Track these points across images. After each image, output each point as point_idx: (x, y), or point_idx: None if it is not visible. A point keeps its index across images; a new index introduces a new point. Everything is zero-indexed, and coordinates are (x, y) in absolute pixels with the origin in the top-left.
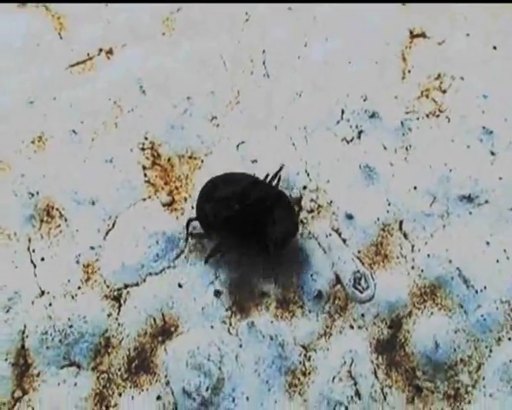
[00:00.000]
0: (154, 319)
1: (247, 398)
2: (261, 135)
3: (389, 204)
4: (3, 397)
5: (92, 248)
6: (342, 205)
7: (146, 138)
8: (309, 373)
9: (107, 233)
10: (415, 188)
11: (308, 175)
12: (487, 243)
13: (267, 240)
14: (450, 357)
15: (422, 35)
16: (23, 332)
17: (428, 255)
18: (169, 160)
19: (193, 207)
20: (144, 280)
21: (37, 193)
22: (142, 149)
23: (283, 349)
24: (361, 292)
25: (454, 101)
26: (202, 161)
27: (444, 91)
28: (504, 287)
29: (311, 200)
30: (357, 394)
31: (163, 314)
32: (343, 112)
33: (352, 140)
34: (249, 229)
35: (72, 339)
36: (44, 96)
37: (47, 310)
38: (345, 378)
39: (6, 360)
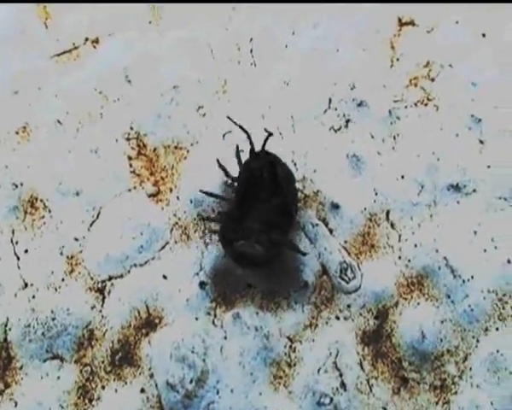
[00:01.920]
0: (139, 311)
1: (232, 390)
2: (248, 124)
3: (376, 194)
4: None
5: (76, 239)
6: (329, 195)
7: (131, 128)
8: (294, 365)
9: (91, 224)
10: (402, 177)
11: (295, 165)
12: (475, 233)
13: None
14: (436, 348)
15: (411, 23)
16: (5, 325)
17: (415, 245)
18: (154, 150)
19: (178, 198)
20: (129, 272)
21: (21, 184)
22: (128, 140)
23: (268, 341)
24: (347, 283)
25: (443, 89)
26: (188, 151)
27: (432, 79)
28: (492, 277)
29: (298, 189)
30: (343, 385)
31: (147, 306)
32: (330, 101)
33: (339, 129)
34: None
35: (55, 332)
36: (29, 86)
37: (30, 302)
38: (330, 370)
39: None
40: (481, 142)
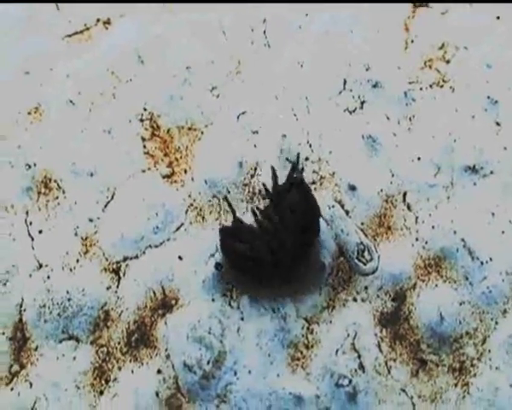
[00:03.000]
0: (154, 292)
1: (249, 371)
2: (262, 105)
3: (392, 175)
4: (0, 372)
5: (91, 220)
6: (345, 176)
7: (145, 109)
8: (312, 346)
9: (105, 205)
10: (418, 159)
11: (310, 146)
12: (492, 214)
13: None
14: (455, 330)
15: (425, 5)
16: (20, 305)
17: (433, 227)
18: (168, 131)
19: (193, 179)
20: (144, 253)
21: (35, 164)
22: (141, 121)
23: (285, 322)
24: (364, 264)
25: (458, 71)
26: (202, 133)
27: (447, 61)
28: (510, 258)
29: (314, 171)
30: (361, 367)
31: (163, 287)
32: (345, 82)
33: (354, 110)
34: None
35: (70, 312)
36: (41, 67)
37: (45, 283)
38: (348, 351)
39: (3, 333)
40: (498, 124)
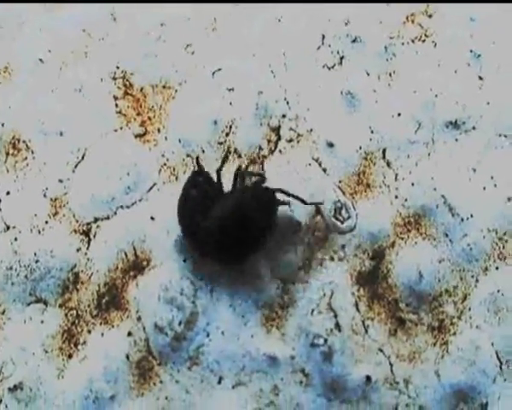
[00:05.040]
0: (126, 254)
1: (223, 332)
2: (238, 62)
3: (372, 132)
4: None
5: (60, 181)
6: (323, 133)
7: (117, 67)
8: (287, 307)
9: (75, 166)
10: (399, 115)
11: (287, 103)
12: (474, 171)
13: None
14: (434, 288)
15: None
16: None
17: (412, 184)
18: (141, 89)
19: (166, 138)
20: (115, 213)
21: (2, 125)
22: (114, 79)
23: (260, 282)
24: (342, 222)
25: (440, 25)
26: (176, 91)
27: (430, 16)
28: (491, 215)
29: (291, 128)
30: (338, 326)
31: (134, 248)
32: (324, 37)
33: (333, 66)
34: None
35: (38, 274)
36: (10, 25)
37: (12, 245)
38: (324, 311)
39: None
40: (481, 78)
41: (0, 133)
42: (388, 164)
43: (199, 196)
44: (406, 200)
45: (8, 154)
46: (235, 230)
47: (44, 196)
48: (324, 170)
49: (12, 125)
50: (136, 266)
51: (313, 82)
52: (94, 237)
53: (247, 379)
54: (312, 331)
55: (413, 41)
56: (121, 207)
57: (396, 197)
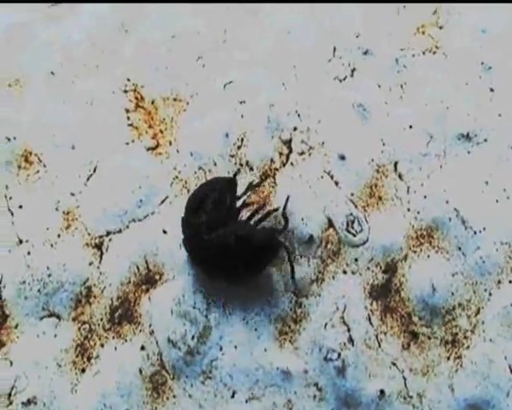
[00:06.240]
0: (138, 267)
1: (235, 346)
2: (249, 75)
3: (384, 144)
4: None
5: (72, 194)
6: (334, 146)
7: (128, 80)
8: (300, 320)
9: (88, 179)
10: (410, 127)
11: (299, 116)
12: (486, 183)
13: None
14: (447, 301)
15: None
16: (0, 282)
17: (425, 197)
18: (153, 102)
19: (178, 151)
20: (127, 227)
21: (14, 138)
22: (125, 92)
23: (273, 296)
24: (354, 236)
25: (451, 37)
26: (188, 103)
27: (440, 27)
28: (504, 228)
29: (302, 141)
30: (351, 340)
31: (147, 262)
32: (335, 49)
33: (344, 79)
34: None
35: (51, 288)
36: (22, 37)
37: (25, 259)
38: (338, 325)
39: None
40: (492, 90)
41: (12, 146)
42: (400, 176)
43: (215, 201)
44: (419, 213)
45: (20, 167)
46: (230, 257)
47: (56, 209)
48: (336, 183)
49: (24, 139)
50: (149, 279)
51: (324, 94)
52: (106, 250)
53: (260, 393)
54: (326, 345)
55: (424, 53)
56: (133, 220)
57: (408, 210)
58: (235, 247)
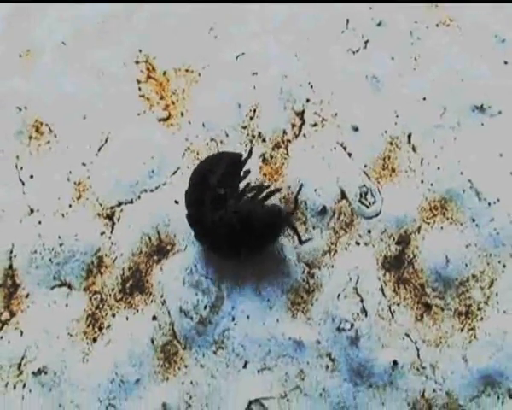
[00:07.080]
0: (150, 238)
1: (248, 316)
2: (262, 46)
3: (397, 116)
4: None
5: (84, 164)
6: (348, 118)
7: (140, 51)
8: (313, 291)
9: (99, 149)
10: (424, 99)
11: (311, 87)
12: (500, 155)
13: None
14: (461, 273)
15: None
16: (11, 251)
17: (438, 168)
18: (164, 73)
19: (190, 122)
20: (139, 197)
21: (25, 108)
22: (137, 63)
23: (285, 267)
24: (367, 207)
25: (465, 9)
26: (199, 75)
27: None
28: None
29: (315, 113)
30: (364, 311)
31: (159, 232)
32: (348, 21)
33: (357, 50)
34: None
35: (62, 258)
36: (33, 8)
37: (36, 228)
38: (350, 296)
39: None
40: (506, 62)
41: (23, 116)
42: (414, 148)
43: (219, 178)
44: (432, 184)
45: (31, 137)
46: (234, 235)
47: (68, 179)
48: (349, 154)
49: (35, 109)
50: (161, 250)
51: (337, 66)
52: (118, 220)
53: (272, 364)
54: (339, 316)
55: (437, 25)
56: (145, 190)
57: (422, 182)
58: (238, 225)
